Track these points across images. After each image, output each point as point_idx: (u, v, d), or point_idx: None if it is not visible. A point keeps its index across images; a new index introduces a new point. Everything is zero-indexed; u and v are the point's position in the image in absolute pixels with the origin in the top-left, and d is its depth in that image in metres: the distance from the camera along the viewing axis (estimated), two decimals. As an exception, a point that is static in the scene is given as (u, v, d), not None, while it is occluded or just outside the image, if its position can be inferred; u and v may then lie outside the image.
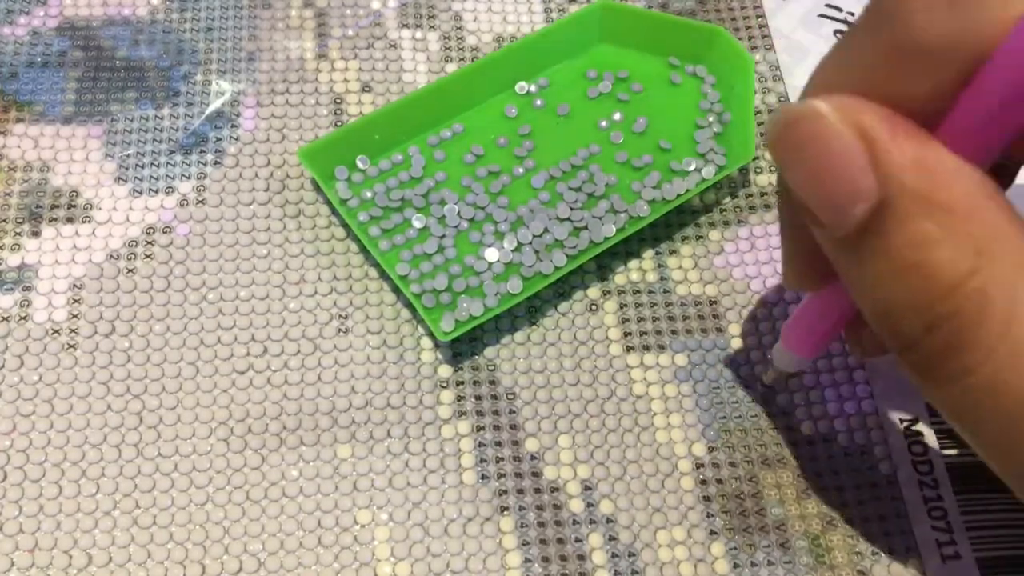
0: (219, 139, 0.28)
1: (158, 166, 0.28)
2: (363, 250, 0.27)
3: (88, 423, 0.24)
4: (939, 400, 0.16)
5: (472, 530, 0.24)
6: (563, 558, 0.23)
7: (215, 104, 0.29)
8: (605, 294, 0.27)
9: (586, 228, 0.26)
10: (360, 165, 0.27)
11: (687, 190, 0.27)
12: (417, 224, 0.27)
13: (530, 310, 0.26)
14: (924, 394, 0.17)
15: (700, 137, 0.28)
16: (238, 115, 0.29)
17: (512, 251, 0.26)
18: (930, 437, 0.25)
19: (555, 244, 0.26)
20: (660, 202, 0.27)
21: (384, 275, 0.27)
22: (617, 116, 0.29)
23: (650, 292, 0.27)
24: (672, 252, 0.28)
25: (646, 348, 0.26)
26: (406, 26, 0.31)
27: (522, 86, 0.29)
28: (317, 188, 0.28)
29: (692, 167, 0.28)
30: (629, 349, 0.26)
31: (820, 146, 0.15)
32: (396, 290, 0.26)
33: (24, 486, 0.23)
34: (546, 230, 0.26)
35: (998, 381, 0.15)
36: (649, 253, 0.28)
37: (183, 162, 0.28)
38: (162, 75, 0.29)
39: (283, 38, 0.30)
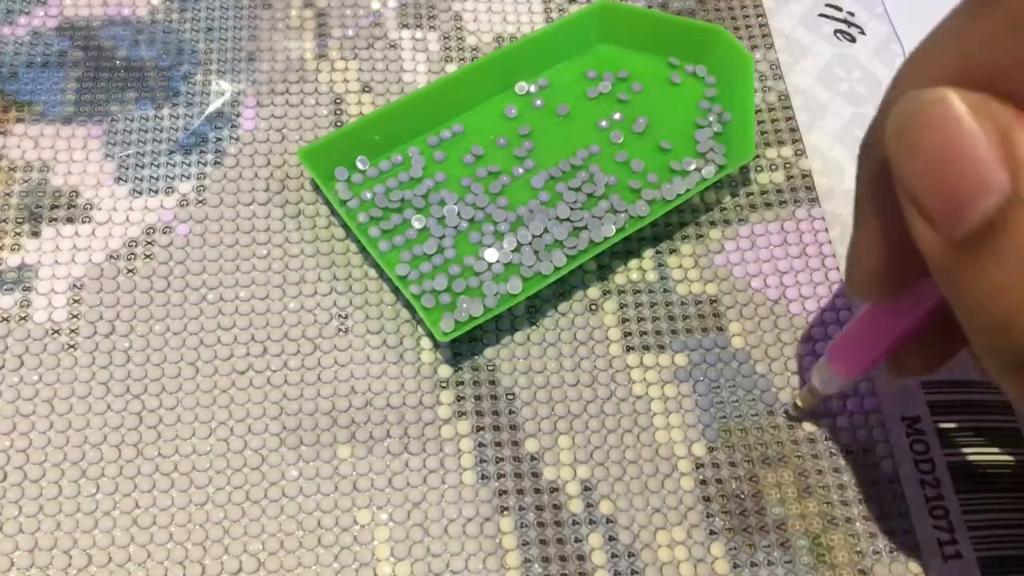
0: (219, 139, 0.28)
1: (158, 166, 0.28)
2: (363, 250, 0.27)
3: (88, 423, 0.24)
4: None
5: (472, 530, 0.23)
6: (563, 558, 0.23)
7: (215, 104, 0.29)
8: (605, 294, 0.27)
9: (586, 228, 0.26)
10: (360, 166, 0.27)
11: (687, 190, 0.27)
12: (417, 225, 0.27)
13: (530, 310, 0.26)
14: None
15: (700, 137, 0.28)
16: (238, 115, 0.29)
17: (512, 251, 0.26)
18: (932, 436, 0.25)
19: (555, 244, 0.26)
20: (660, 202, 0.27)
21: (384, 275, 0.26)
22: (617, 116, 0.29)
23: (650, 292, 0.27)
24: (672, 251, 0.28)
25: (646, 348, 0.26)
26: (406, 26, 0.31)
27: (522, 86, 0.29)
28: (317, 188, 0.28)
29: (692, 167, 0.27)
30: (629, 349, 0.26)
31: (946, 133, 0.14)
32: (396, 290, 0.26)
33: (24, 486, 0.23)
34: (546, 230, 0.26)
35: None
36: (649, 253, 0.28)
37: (183, 162, 0.28)
38: (162, 75, 0.29)
39: (283, 38, 0.30)
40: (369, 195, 0.27)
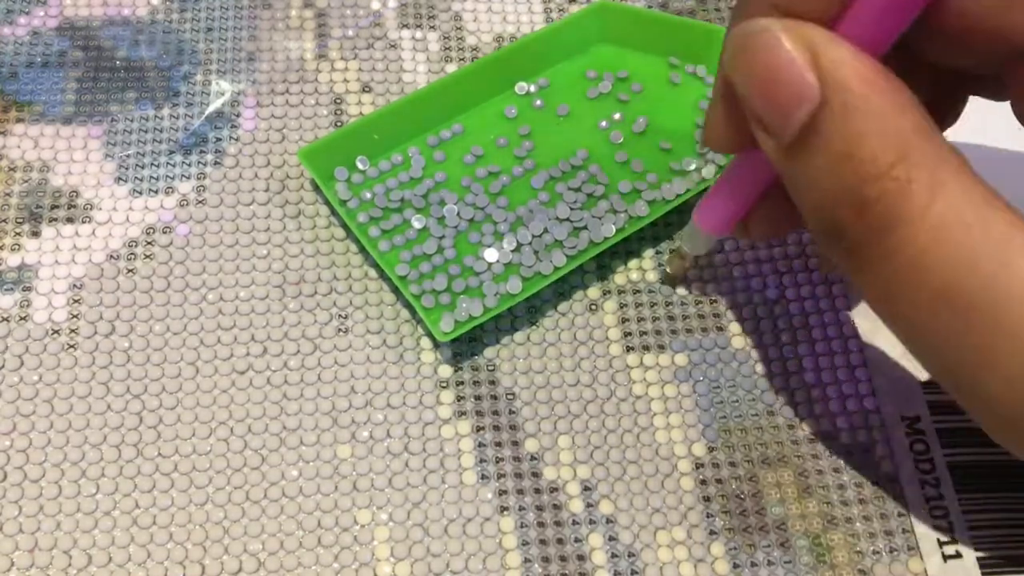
0: (219, 139, 0.28)
1: (158, 166, 0.28)
2: (363, 250, 0.27)
3: (88, 423, 0.24)
4: (869, 286, 0.18)
5: (472, 530, 0.23)
6: (563, 558, 0.23)
7: (215, 104, 0.29)
8: (605, 294, 0.27)
9: (586, 228, 0.26)
10: (360, 166, 0.27)
11: (687, 190, 0.27)
12: (417, 225, 0.27)
13: (530, 310, 0.26)
14: (856, 282, 0.19)
15: (700, 137, 0.28)
16: (238, 115, 0.29)
17: (512, 251, 0.26)
18: (932, 436, 0.25)
19: (555, 244, 0.26)
20: (660, 202, 0.27)
21: (384, 275, 0.26)
22: (617, 116, 0.29)
23: (650, 292, 0.27)
24: (672, 251, 0.28)
25: (646, 348, 0.26)
26: (406, 26, 0.31)
27: (522, 86, 0.29)
28: (317, 188, 0.28)
29: (692, 167, 0.27)
30: (629, 349, 0.26)
31: (770, 55, 0.18)
32: (396, 290, 0.26)
33: (24, 486, 0.23)
34: (546, 230, 0.26)
35: (921, 257, 0.17)
36: (649, 253, 0.28)
37: (183, 162, 0.28)
38: (162, 75, 0.29)
39: (283, 38, 0.30)
40: (369, 195, 0.27)
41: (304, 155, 0.27)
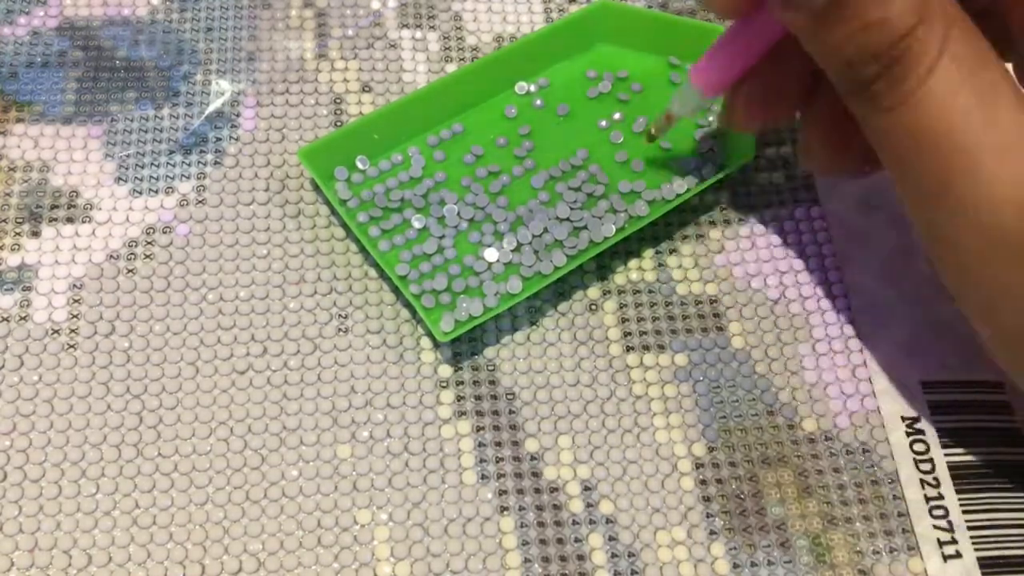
0: (219, 139, 0.28)
1: (158, 166, 0.28)
2: (363, 250, 0.27)
3: (88, 423, 0.24)
4: (882, 131, 0.20)
5: (472, 530, 0.23)
6: (563, 558, 0.23)
7: (215, 104, 0.29)
8: (605, 294, 0.27)
9: (586, 228, 0.26)
10: (360, 165, 0.27)
11: (687, 189, 0.27)
12: (417, 224, 0.27)
13: (530, 310, 0.26)
14: (869, 130, 0.21)
15: (700, 136, 0.28)
16: (238, 115, 0.29)
17: (512, 251, 0.26)
18: (932, 436, 0.25)
19: (555, 244, 0.26)
20: (660, 202, 0.27)
21: (384, 275, 0.26)
22: (617, 116, 0.29)
23: (650, 292, 0.27)
24: (672, 251, 0.28)
25: (646, 348, 0.26)
26: (406, 26, 0.31)
27: (522, 86, 0.29)
28: (317, 188, 0.28)
29: (692, 166, 0.27)
30: (629, 349, 0.26)
31: None
32: (396, 290, 0.26)
33: (24, 486, 0.23)
34: (546, 230, 0.26)
35: (926, 101, 0.19)
36: (649, 252, 0.28)
37: (183, 162, 0.28)
38: (162, 75, 0.29)
39: (283, 38, 0.30)
40: (369, 195, 0.27)
41: (304, 155, 0.27)
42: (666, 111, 0.26)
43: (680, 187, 0.27)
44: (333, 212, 0.27)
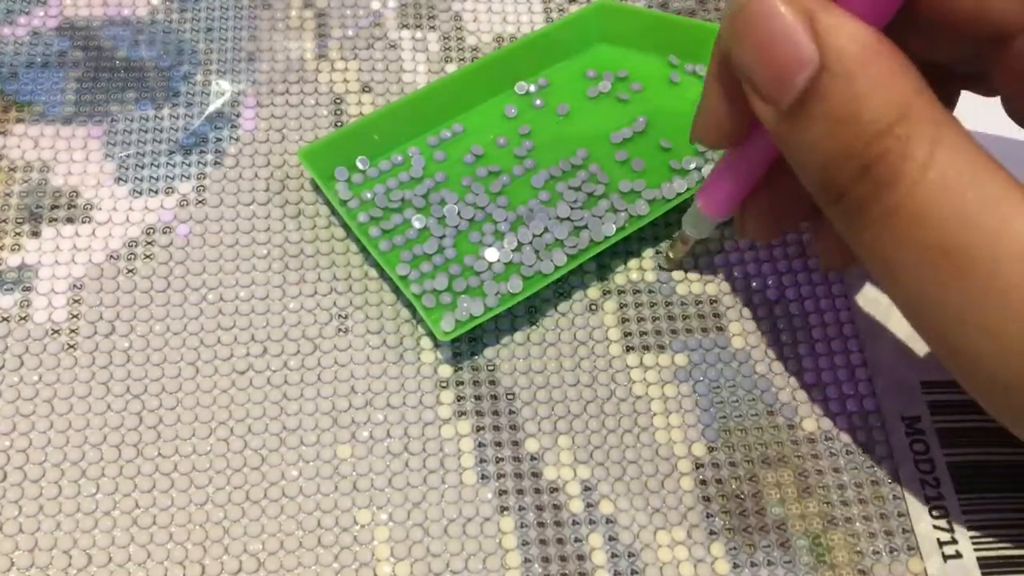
0: (219, 139, 0.28)
1: (158, 166, 0.28)
2: (363, 250, 0.27)
3: (88, 423, 0.24)
4: (868, 245, 0.18)
5: (472, 530, 0.23)
6: (563, 558, 0.23)
7: (215, 104, 0.29)
8: (605, 294, 0.27)
9: (586, 227, 0.26)
10: (360, 166, 0.27)
11: (687, 188, 0.27)
12: (417, 224, 0.27)
13: (530, 310, 0.26)
14: (854, 243, 0.19)
15: (692, 132, 0.28)
16: (238, 115, 0.29)
17: (512, 251, 0.26)
18: (932, 436, 0.25)
19: (555, 244, 0.26)
20: (660, 201, 0.27)
21: (384, 275, 0.27)
22: (617, 115, 0.29)
23: (650, 292, 0.27)
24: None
25: (646, 348, 0.26)
26: (406, 26, 0.31)
27: (521, 86, 0.29)
28: (317, 189, 0.28)
29: (692, 166, 0.27)
30: (629, 349, 0.26)
31: (768, 22, 0.18)
32: (396, 290, 0.26)
33: (24, 486, 0.23)
34: (546, 230, 0.26)
35: (920, 214, 0.17)
36: (649, 252, 0.28)
37: (183, 162, 0.28)
38: (162, 75, 0.29)
39: (283, 38, 0.30)
40: (369, 195, 0.27)
41: (304, 155, 0.27)
42: (679, 236, 0.26)
43: (680, 186, 0.27)
44: (333, 212, 0.27)
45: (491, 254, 0.26)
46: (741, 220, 0.24)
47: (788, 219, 0.24)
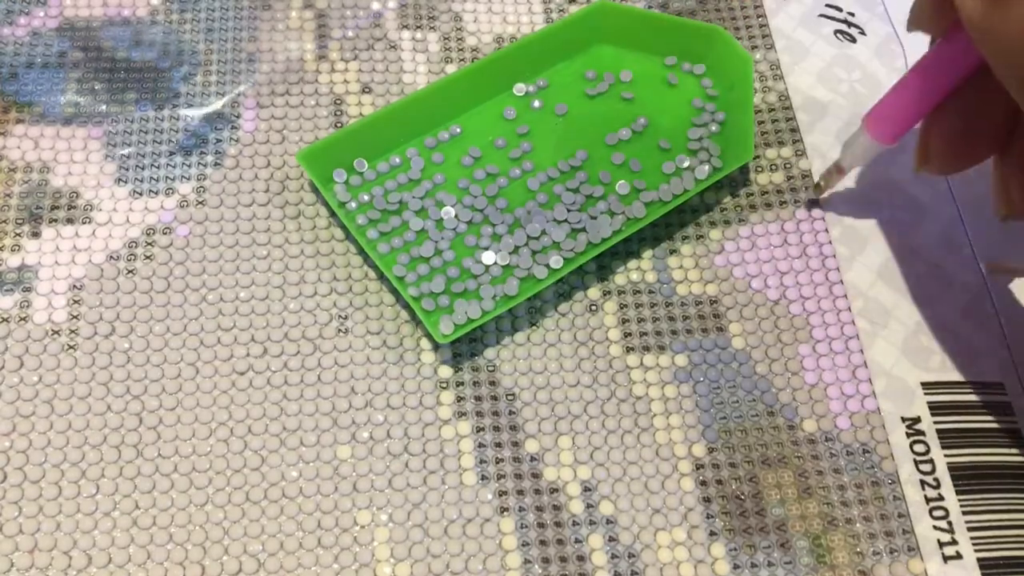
0: (219, 140, 0.28)
1: (158, 167, 0.28)
2: (362, 252, 0.27)
3: (88, 423, 0.24)
4: None
5: (472, 531, 0.23)
6: (563, 559, 0.23)
7: (215, 105, 0.29)
8: (605, 294, 0.27)
9: (584, 230, 0.26)
10: (358, 168, 0.27)
11: (685, 190, 0.27)
12: (415, 227, 0.27)
13: (530, 310, 0.26)
14: None
15: (694, 134, 0.28)
16: (238, 116, 0.29)
17: (510, 253, 0.26)
18: (932, 436, 0.25)
19: (553, 246, 0.26)
20: (658, 203, 0.27)
21: (383, 277, 0.26)
22: (616, 116, 0.29)
23: (650, 292, 0.27)
24: (672, 252, 0.28)
25: (646, 348, 0.26)
26: (406, 27, 0.31)
27: (520, 87, 0.29)
28: (316, 190, 0.28)
29: (686, 164, 0.27)
30: (629, 350, 0.26)
31: None
32: (395, 291, 0.26)
33: (24, 487, 0.23)
34: (544, 232, 0.26)
35: None
36: (649, 253, 0.28)
37: (183, 163, 0.28)
38: (162, 76, 0.29)
39: (283, 39, 0.30)
40: (367, 197, 0.27)
41: (303, 157, 0.27)
42: (835, 164, 0.25)
43: (677, 188, 0.27)
44: (332, 214, 0.27)
45: (488, 257, 0.26)
46: (923, 146, 0.23)
47: (974, 147, 0.23)
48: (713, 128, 0.28)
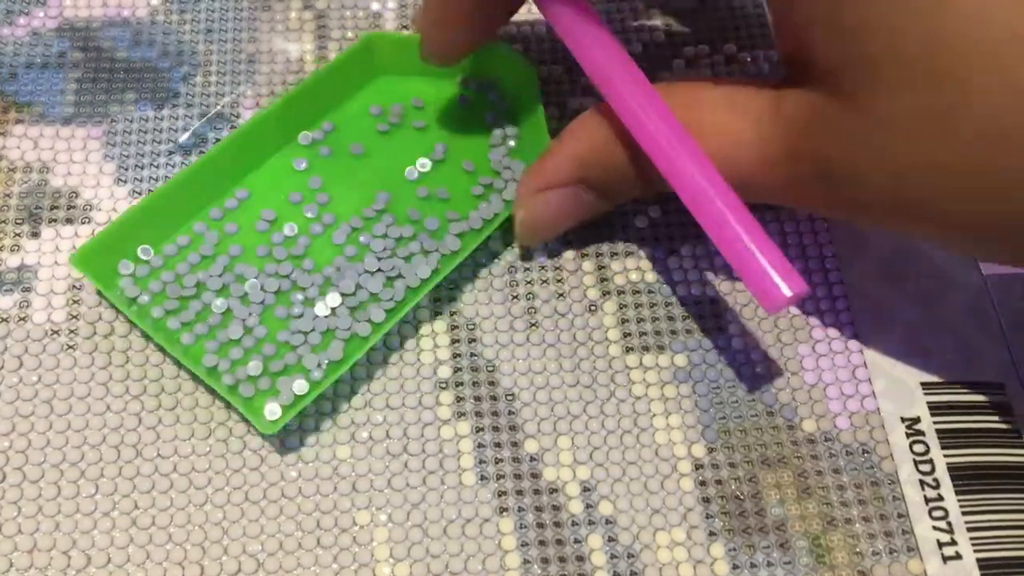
0: (219, 140, 0.28)
1: (158, 167, 0.28)
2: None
3: (87, 423, 0.24)
4: None
5: (471, 531, 0.23)
6: (562, 559, 0.23)
7: (215, 106, 0.29)
8: (604, 295, 0.27)
9: (400, 276, 0.25)
10: (142, 256, 0.25)
11: (495, 215, 0.26)
12: (218, 308, 0.25)
13: (530, 311, 0.26)
14: None
15: (495, 155, 0.27)
16: (238, 116, 0.29)
17: (326, 317, 0.24)
18: (932, 436, 0.25)
19: (371, 299, 0.25)
20: (470, 232, 0.26)
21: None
22: (413, 147, 0.27)
23: (650, 292, 0.27)
24: (672, 252, 0.28)
25: (646, 349, 0.26)
26: (406, 27, 0.31)
27: (305, 136, 0.27)
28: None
29: (494, 186, 0.27)
30: (629, 350, 0.26)
31: None
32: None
33: (23, 487, 0.23)
34: (359, 286, 0.25)
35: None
36: (649, 253, 0.27)
37: (183, 163, 0.28)
38: (162, 76, 0.29)
39: (283, 40, 0.30)
40: (158, 285, 0.25)
41: (77, 261, 0.24)
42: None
43: (487, 212, 0.26)
44: None
45: (304, 324, 0.24)
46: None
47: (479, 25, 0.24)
48: (511, 144, 0.28)
